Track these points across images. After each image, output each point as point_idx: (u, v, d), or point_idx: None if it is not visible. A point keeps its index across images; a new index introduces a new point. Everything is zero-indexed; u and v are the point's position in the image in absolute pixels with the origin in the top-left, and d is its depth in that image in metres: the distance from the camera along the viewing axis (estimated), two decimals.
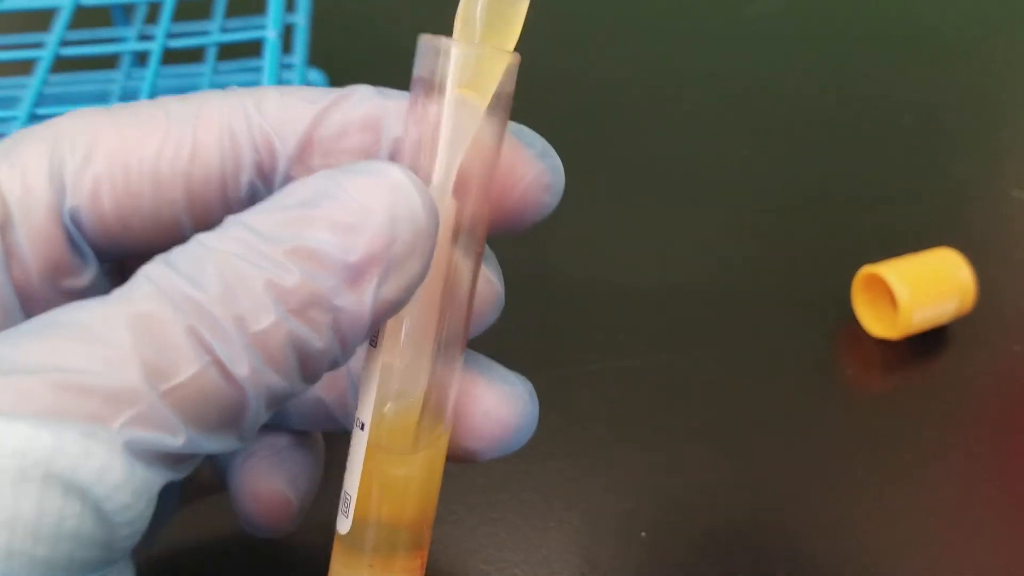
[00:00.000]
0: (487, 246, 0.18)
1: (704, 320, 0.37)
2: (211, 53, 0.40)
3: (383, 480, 0.17)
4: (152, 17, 0.42)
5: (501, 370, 0.19)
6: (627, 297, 0.38)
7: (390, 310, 0.15)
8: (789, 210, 0.42)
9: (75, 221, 0.17)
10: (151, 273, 0.14)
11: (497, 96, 0.16)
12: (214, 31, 0.39)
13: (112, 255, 0.17)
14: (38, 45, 0.34)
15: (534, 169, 0.17)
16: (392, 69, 0.48)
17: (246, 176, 0.17)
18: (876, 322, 0.37)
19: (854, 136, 0.46)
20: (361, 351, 0.18)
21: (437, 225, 0.15)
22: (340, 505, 0.17)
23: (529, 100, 0.46)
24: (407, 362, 0.17)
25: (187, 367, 0.13)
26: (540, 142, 0.18)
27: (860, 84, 0.49)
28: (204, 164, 0.17)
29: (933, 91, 0.48)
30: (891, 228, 0.41)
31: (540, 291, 0.38)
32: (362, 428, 0.17)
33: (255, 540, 0.21)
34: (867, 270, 0.36)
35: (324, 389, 0.20)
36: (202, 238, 0.15)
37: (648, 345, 0.36)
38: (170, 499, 0.21)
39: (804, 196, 0.43)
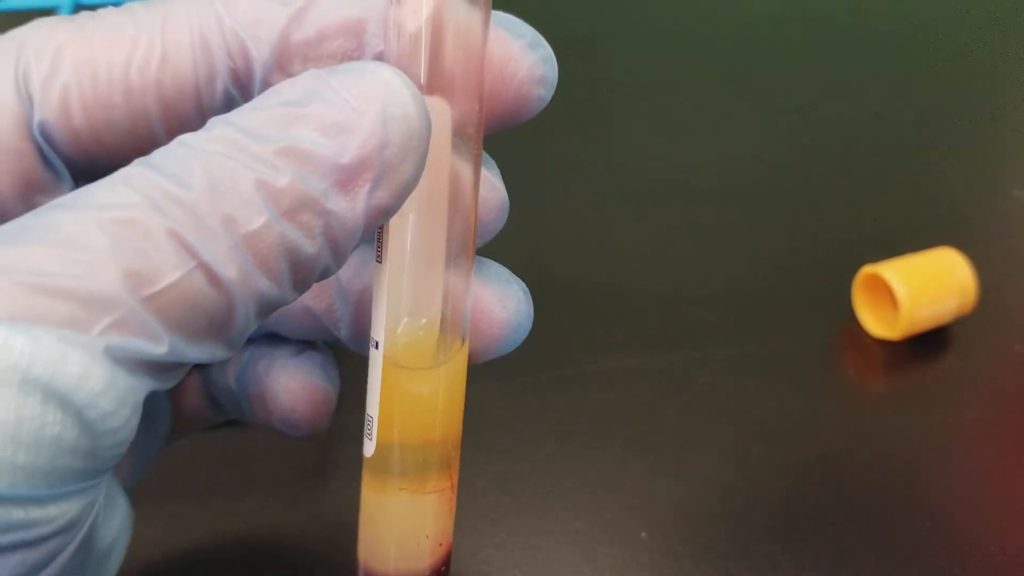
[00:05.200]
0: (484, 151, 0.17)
1: (704, 320, 0.37)
2: None
3: (405, 398, 0.16)
4: None
5: (494, 266, 0.19)
6: (627, 297, 0.38)
7: (382, 216, 0.14)
8: (789, 210, 0.42)
9: (46, 135, 0.16)
10: (129, 174, 0.13)
11: None
12: None
13: (86, 170, 0.17)
14: None
15: (526, 62, 0.16)
16: None
17: (221, 83, 0.16)
18: (877, 322, 0.37)
19: (855, 135, 0.46)
20: (354, 262, 0.17)
21: (429, 127, 0.14)
22: (364, 427, 0.17)
23: None
24: (417, 275, 0.16)
25: (170, 272, 0.13)
26: (529, 32, 0.17)
27: (860, 84, 0.49)
28: (175, 71, 0.16)
29: (933, 90, 0.48)
30: (892, 228, 0.41)
31: (540, 291, 0.38)
32: (376, 347, 0.16)
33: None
34: (868, 270, 0.36)
35: (311, 298, 0.19)
36: (185, 139, 0.14)
37: (648, 345, 0.36)
38: (160, 416, 0.20)
39: (804, 196, 0.43)
